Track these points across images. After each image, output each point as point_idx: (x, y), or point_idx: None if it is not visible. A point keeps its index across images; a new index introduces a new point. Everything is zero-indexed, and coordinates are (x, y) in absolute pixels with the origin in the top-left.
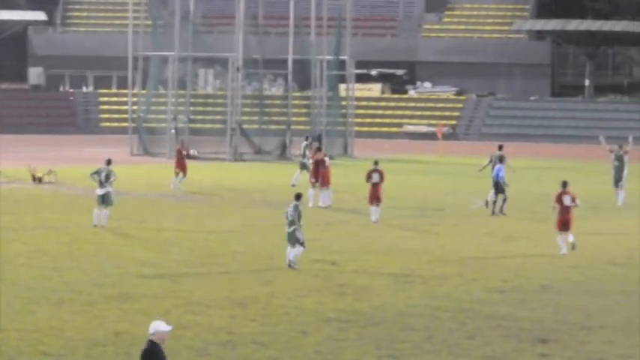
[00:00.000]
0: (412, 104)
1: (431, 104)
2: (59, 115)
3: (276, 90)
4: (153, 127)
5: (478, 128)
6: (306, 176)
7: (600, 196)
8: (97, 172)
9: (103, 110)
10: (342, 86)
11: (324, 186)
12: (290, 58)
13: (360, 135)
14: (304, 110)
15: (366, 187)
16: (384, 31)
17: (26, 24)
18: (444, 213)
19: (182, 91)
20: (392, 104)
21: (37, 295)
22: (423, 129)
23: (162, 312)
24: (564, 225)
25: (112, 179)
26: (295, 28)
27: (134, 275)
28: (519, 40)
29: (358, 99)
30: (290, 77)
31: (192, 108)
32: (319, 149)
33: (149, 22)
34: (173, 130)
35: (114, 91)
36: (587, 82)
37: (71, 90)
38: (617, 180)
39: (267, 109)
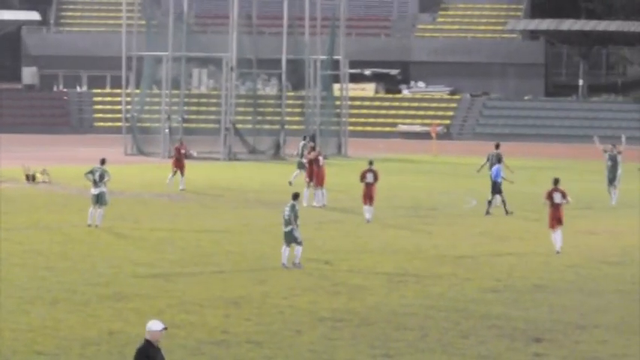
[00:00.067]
0: (406, 104)
1: (425, 104)
2: (53, 114)
3: (270, 90)
4: (147, 127)
5: (472, 128)
6: (303, 176)
7: (594, 196)
8: (91, 172)
9: (96, 110)
10: (336, 86)
11: (319, 185)
12: (284, 57)
13: (354, 135)
14: (298, 110)
15: (360, 187)
16: (377, 30)
17: (20, 24)
18: (438, 212)
19: (176, 91)
20: (386, 104)
21: (31, 295)
22: (417, 129)
23: (156, 311)
24: (557, 222)
25: (106, 179)
26: (289, 27)
27: (128, 275)
28: (513, 39)
29: (352, 99)
30: (284, 77)
31: (186, 108)
32: (313, 148)
33: (143, 22)
34: (167, 130)
35: (108, 90)
36: (580, 82)
37: (65, 90)
38: (611, 180)
39: (261, 109)
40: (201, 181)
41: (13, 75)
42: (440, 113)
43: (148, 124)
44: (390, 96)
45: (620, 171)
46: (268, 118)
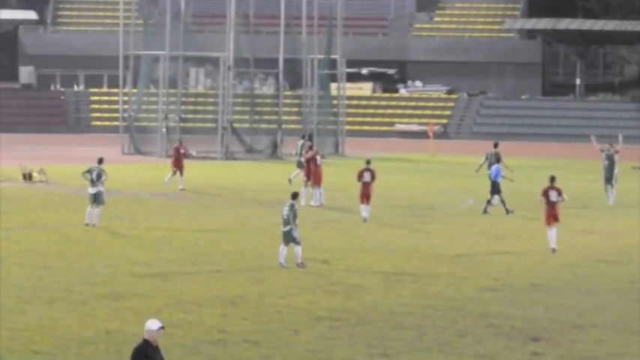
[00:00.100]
0: (403, 103)
1: (422, 103)
2: (50, 114)
3: (267, 89)
4: (144, 126)
5: (469, 127)
6: (301, 175)
7: (591, 195)
8: (89, 171)
9: (94, 109)
10: (333, 85)
11: (316, 185)
12: (281, 57)
13: (351, 134)
14: (295, 109)
15: (358, 186)
16: (375, 30)
17: (17, 23)
18: (435, 212)
19: (173, 90)
20: (383, 103)
21: (28, 294)
22: (414, 128)
23: (153, 311)
24: (553, 219)
25: (103, 178)
26: (286, 27)
27: (125, 274)
28: (510, 39)
29: (349, 98)
30: (281, 76)
31: (183, 107)
32: (311, 148)
33: (140, 21)
34: (164, 129)
35: (105, 90)
36: (578, 81)
37: (62, 89)
38: (608, 179)
39: (258, 108)
40: (199, 181)
41: (11, 74)
42: (437, 112)
43: (145, 124)
44: (388, 95)
45: (617, 170)
46: (265, 117)
